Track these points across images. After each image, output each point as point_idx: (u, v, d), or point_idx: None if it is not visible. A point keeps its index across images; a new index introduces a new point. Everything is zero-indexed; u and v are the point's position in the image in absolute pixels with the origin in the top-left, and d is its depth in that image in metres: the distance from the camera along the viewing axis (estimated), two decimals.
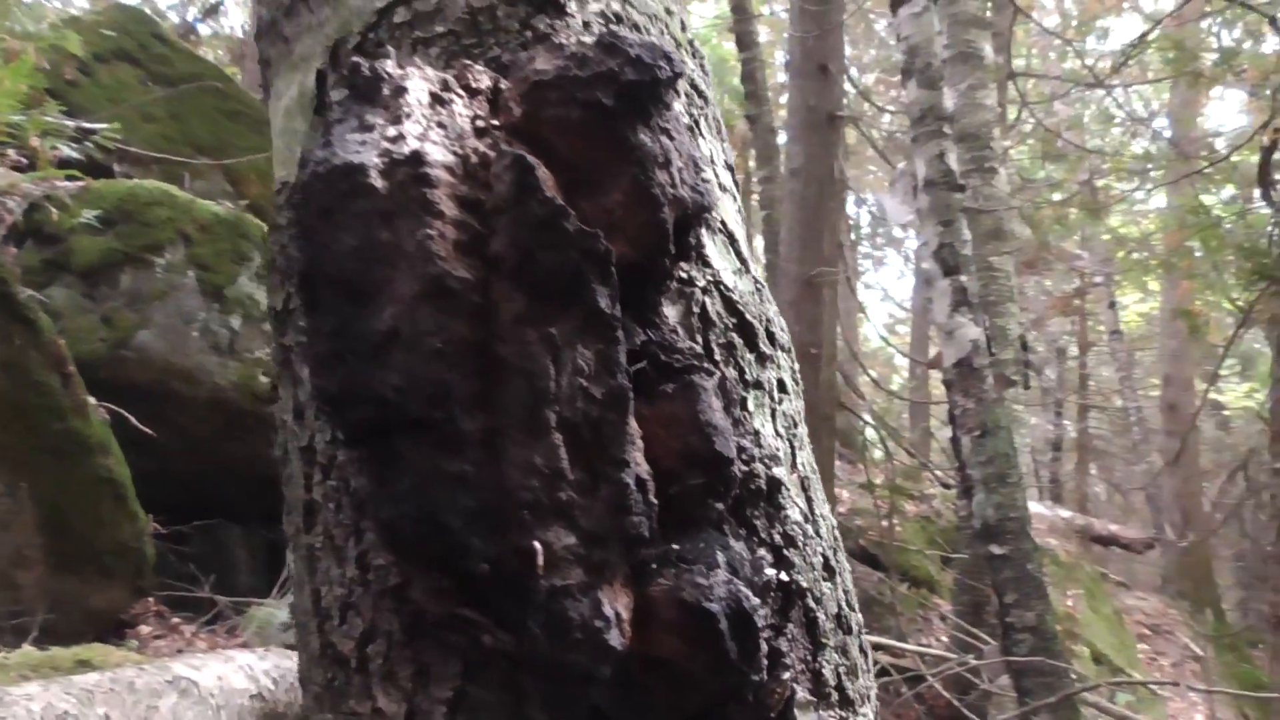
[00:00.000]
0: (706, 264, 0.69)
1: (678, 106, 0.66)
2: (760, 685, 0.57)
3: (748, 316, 0.69)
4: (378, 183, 0.57)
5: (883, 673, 5.37)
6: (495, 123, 0.64)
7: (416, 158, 0.58)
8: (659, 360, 0.62)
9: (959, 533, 7.52)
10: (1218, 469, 13.48)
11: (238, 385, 5.16)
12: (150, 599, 4.80)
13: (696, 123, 0.74)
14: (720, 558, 0.58)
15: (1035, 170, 12.04)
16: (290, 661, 2.36)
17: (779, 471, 0.66)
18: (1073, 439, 16.19)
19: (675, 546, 0.58)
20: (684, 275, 0.67)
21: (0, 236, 4.26)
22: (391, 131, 0.60)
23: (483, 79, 0.66)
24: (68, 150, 4.18)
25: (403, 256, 0.56)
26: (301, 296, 0.59)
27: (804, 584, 0.64)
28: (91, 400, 4.39)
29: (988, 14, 7.39)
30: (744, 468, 0.63)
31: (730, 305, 0.68)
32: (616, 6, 0.74)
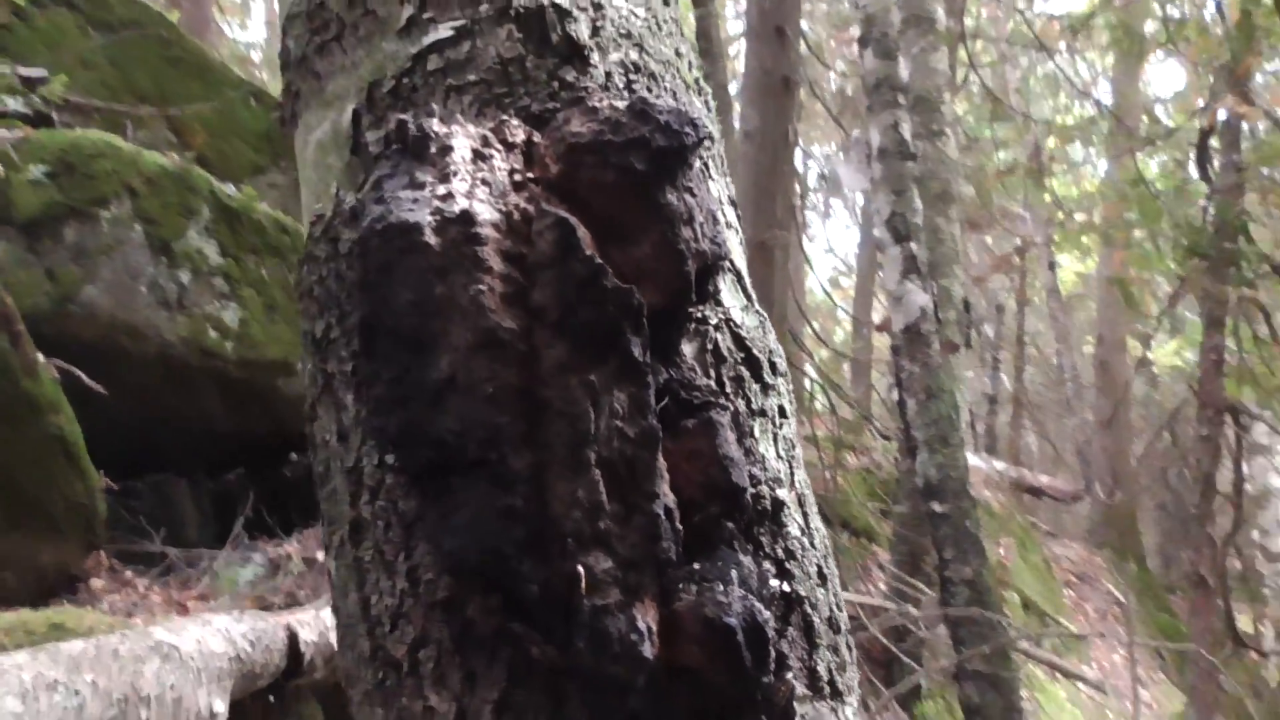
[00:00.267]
0: (719, 303, 0.76)
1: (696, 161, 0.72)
2: (768, 686, 0.66)
3: (754, 351, 0.76)
4: (432, 240, 0.63)
5: None
6: (531, 175, 0.70)
7: (467, 217, 0.64)
8: (679, 397, 0.69)
9: (899, 485, 7.77)
10: (1146, 425, 14.03)
11: (187, 341, 5.11)
12: (102, 553, 4.79)
13: (706, 165, 0.81)
14: (734, 574, 0.66)
15: (982, 130, 12.23)
16: (265, 622, 2.42)
17: (781, 492, 0.74)
18: (1009, 393, 16.64)
19: (696, 566, 0.66)
20: (699, 315, 0.74)
21: None
22: (441, 190, 0.65)
23: (518, 133, 0.71)
24: (10, 102, 4.06)
25: (456, 310, 0.63)
26: (360, 343, 0.65)
27: (803, 592, 0.72)
28: (41, 358, 4.33)
29: None
30: (753, 491, 0.71)
31: (739, 341, 0.76)
32: (635, 56, 0.80)
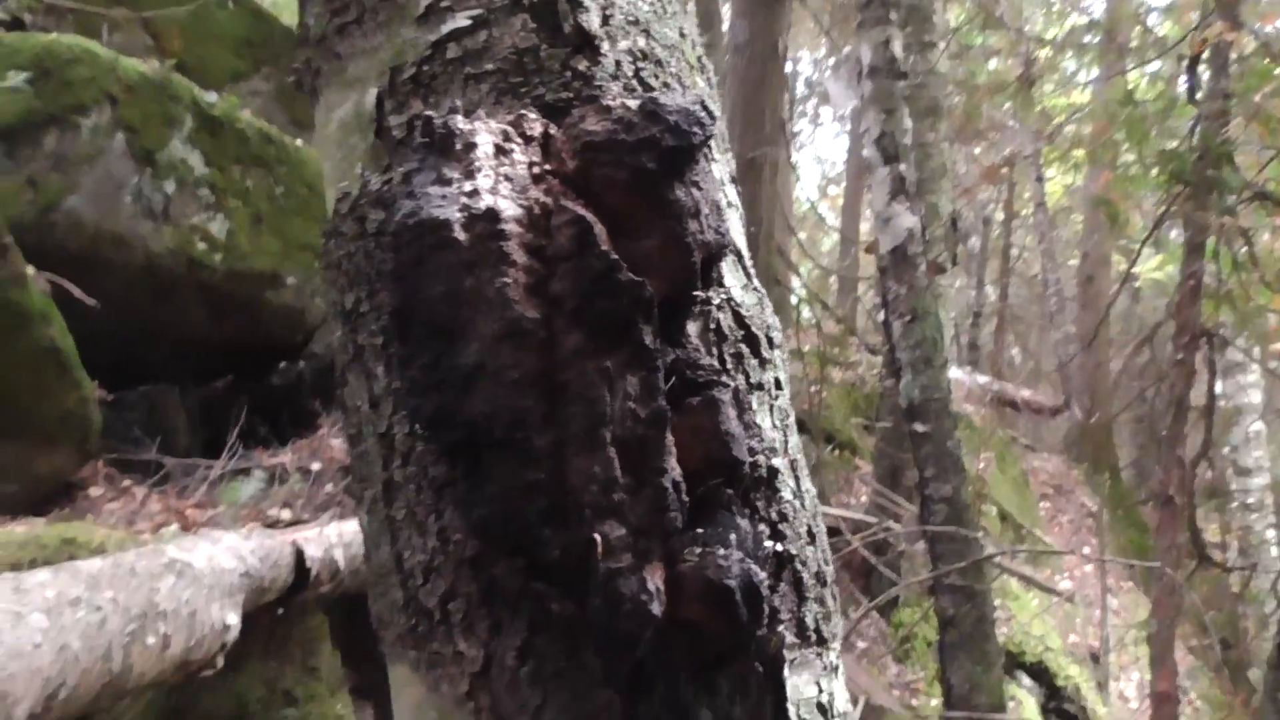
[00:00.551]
0: (721, 284, 0.82)
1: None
2: (762, 638, 0.74)
3: (753, 329, 0.82)
4: (460, 236, 0.69)
5: None
6: (548, 167, 0.75)
7: (492, 214, 0.69)
8: (685, 375, 0.76)
9: (882, 400, 7.92)
10: (1127, 339, 14.22)
11: (174, 252, 5.10)
12: (99, 462, 4.88)
13: (709, 147, 0.86)
14: (733, 538, 0.74)
15: (973, 38, 12.05)
16: (272, 540, 2.52)
17: (776, 460, 0.81)
18: (994, 307, 16.79)
19: (699, 530, 0.73)
20: (702, 296, 0.80)
21: None
22: (468, 186, 0.70)
23: (536, 126, 0.76)
24: None
25: (484, 301, 0.68)
26: (395, 329, 0.71)
27: (793, 551, 0.80)
28: (31, 270, 4.34)
29: None
30: (750, 460, 0.78)
31: (739, 319, 0.82)
32: (642, 43, 0.84)
